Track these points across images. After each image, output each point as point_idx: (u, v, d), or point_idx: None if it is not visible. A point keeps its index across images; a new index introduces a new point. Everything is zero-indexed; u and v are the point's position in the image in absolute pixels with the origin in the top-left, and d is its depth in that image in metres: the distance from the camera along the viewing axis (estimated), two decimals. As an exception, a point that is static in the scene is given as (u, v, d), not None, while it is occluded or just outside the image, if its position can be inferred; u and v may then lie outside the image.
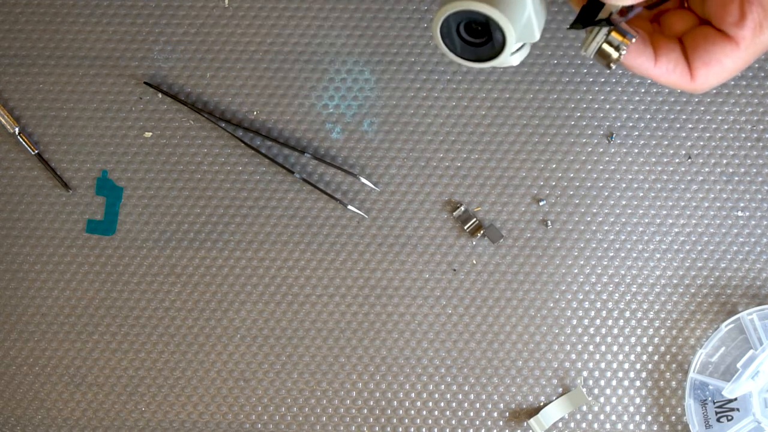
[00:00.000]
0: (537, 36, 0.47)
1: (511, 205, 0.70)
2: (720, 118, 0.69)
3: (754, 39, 0.42)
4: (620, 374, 0.69)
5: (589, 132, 0.70)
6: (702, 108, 0.69)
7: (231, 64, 0.71)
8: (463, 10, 0.44)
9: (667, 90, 0.69)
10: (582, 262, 0.69)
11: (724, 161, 0.69)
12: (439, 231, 0.70)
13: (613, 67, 0.46)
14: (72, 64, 0.71)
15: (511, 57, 0.47)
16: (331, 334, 0.70)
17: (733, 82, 0.69)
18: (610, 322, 0.69)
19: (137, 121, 0.71)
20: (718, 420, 0.67)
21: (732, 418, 0.66)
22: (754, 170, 0.69)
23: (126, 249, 0.71)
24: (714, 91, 0.69)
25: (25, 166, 0.71)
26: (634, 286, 0.69)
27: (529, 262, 0.70)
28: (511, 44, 0.45)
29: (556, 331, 0.70)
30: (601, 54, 0.46)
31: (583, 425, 0.69)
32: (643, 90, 0.69)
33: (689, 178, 0.69)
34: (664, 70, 0.45)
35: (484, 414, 0.70)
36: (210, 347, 0.71)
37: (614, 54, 0.46)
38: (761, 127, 0.69)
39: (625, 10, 0.46)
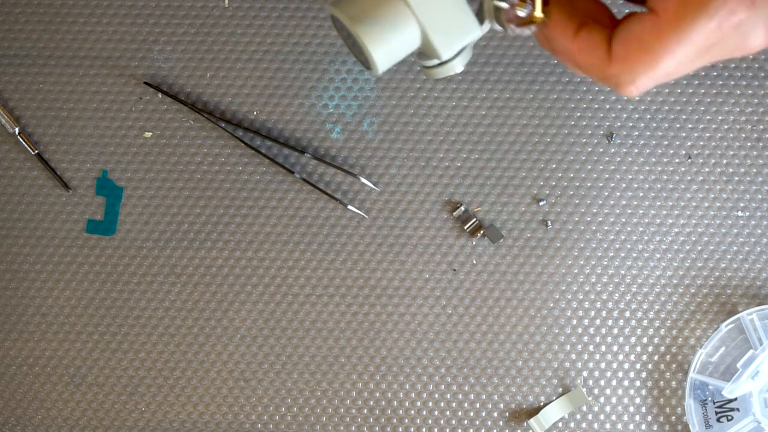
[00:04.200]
0: (443, 55, 0.43)
1: (511, 205, 0.70)
2: (720, 118, 0.69)
3: (678, 15, 0.36)
4: (620, 374, 0.69)
5: (589, 132, 0.70)
6: (702, 108, 0.69)
7: (231, 64, 0.71)
8: (332, 15, 0.43)
9: (666, 90, 0.69)
10: (582, 262, 0.69)
11: (724, 161, 0.69)
12: (439, 231, 0.70)
13: (512, 30, 0.41)
14: (72, 64, 0.71)
15: (443, 67, 0.45)
16: (331, 334, 0.70)
17: (733, 82, 0.69)
18: (610, 322, 0.69)
19: (137, 121, 0.71)
20: (718, 420, 0.67)
21: (732, 418, 0.66)
22: (754, 170, 0.69)
23: (126, 249, 0.71)
24: (714, 90, 0.69)
25: (25, 166, 0.71)
26: (634, 286, 0.69)
27: (529, 262, 0.70)
28: (376, 63, 0.43)
29: (556, 331, 0.70)
30: (497, 15, 0.41)
31: (583, 425, 0.69)
32: (643, 90, 0.69)
33: (689, 178, 0.69)
34: (582, 47, 0.39)
35: (484, 414, 0.70)
36: (210, 347, 0.71)
37: (504, 5, 0.40)
38: (761, 127, 0.69)
39: None
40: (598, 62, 0.38)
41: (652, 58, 0.36)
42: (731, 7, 0.34)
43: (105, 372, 0.71)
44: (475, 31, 0.43)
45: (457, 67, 0.45)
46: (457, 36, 0.43)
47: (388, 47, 0.43)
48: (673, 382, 0.69)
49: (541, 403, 0.69)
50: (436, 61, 0.45)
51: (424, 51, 0.45)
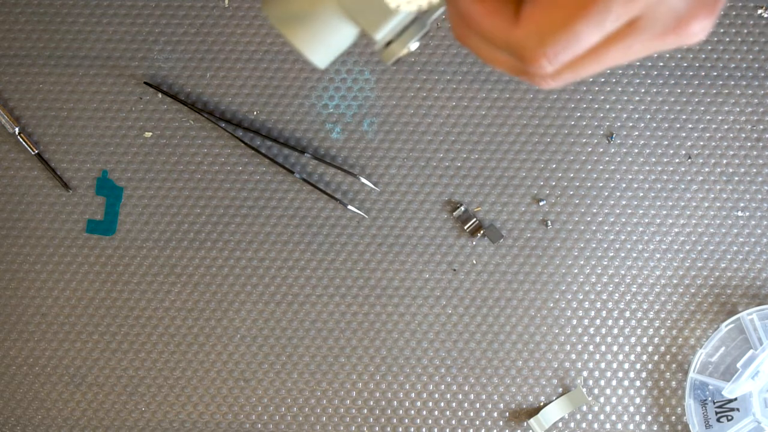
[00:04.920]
0: (375, 35, 0.41)
1: (511, 205, 0.70)
2: (720, 118, 0.69)
3: None
4: (620, 374, 0.69)
5: (589, 132, 0.70)
6: (702, 108, 0.69)
7: (231, 64, 0.71)
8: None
9: (667, 90, 0.69)
10: (582, 262, 0.69)
11: (724, 161, 0.69)
12: (439, 231, 0.70)
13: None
14: (72, 64, 0.71)
15: (391, 48, 0.43)
16: (331, 334, 0.70)
17: (733, 82, 0.69)
18: (610, 322, 0.69)
19: (137, 121, 0.71)
20: (718, 420, 0.67)
21: (732, 418, 0.66)
22: (754, 170, 0.69)
23: (126, 249, 0.71)
24: (714, 91, 0.69)
25: (25, 166, 0.71)
26: (634, 286, 0.69)
27: (529, 262, 0.70)
28: (315, 62, 0.42)
29: (556, 331, 0.70)
30: None
31: (583, 425, 0.69)
32: (643, 90, 0.69)
33: (689, 178, 0.69)
34: (488, 9, 0.33)
35: (484, 414, 0.70)
36: (210, 347, 0.71)
37: None
38: (761, 127, 0.69)
39: None
40: (504, 24, 0.32)
41: (565, 18, 0.30)
42: None
43: (105, 372, 0.71)
44: (398, 6, 0.40)
45: (410, 45, 0.42)
46: (382, 14, 0.41)
47: (321, 44, 0.42)
48: (673, 382, 0.69)
49: (541, 403, 0.69)
50: (383, 43, 0.44)
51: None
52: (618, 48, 0.32)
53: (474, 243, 0.70)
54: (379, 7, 0.41)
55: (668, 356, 0.69)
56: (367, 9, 0.41)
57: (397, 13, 0.41)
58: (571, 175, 0.70)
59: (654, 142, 0.69)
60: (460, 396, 0.70)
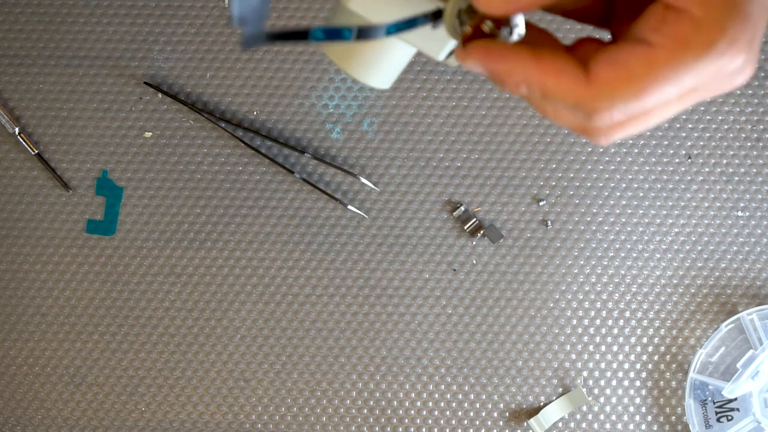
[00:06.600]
0: (438, 57, 0.42)
1: (511, 205, 0.70)
2: (720, 118, 0.69)
3: (677, 53, 0.33)
4: (620, 374, 0.69)
5: (589, 132, 0.70)
6: (702, 108, 0.69)
7: (231, 64, 0.71)
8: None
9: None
10: (582, 262, 0.69)
11: (724, 161, 0.69)
12: (439, 231, 0.70)
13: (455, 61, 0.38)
14: (72, 64, 0.71)
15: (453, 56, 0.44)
16: (331, 334, 0.70)
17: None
18: (610, 322, 0.70)
19: (137, 121, 0.71)
20: (718, 420, 0.67)
21: (732, 418, 0.66)
22: (754, 170, 0.69)
23: (126, 249, 0.71)
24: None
25: (25, 166, 0.71)
26: (634, 286, 0.69)
27: (529, 262, 0.70)
28: (379, 87, 0.44)
29: (556, 331, 0.70)
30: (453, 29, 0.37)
31: (583, 425, 0.69)
32: (643, 90, 0.69)
33: (689, 178, 0.69)
34: (549, 69, 0.34)
35: (484, 414, 0.70)
36: (210, 347, 0.71)
37: (460, 28, 0.36)
38: (761, 127, 0.69)
39: (502, 22, 0.35)
40: (573, 84, 0.34)
41: (638, 89, 0.33)
42: (733, 53, 0.32)
43: (105, 372, 0.71)
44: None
45: (442, 54, 0.43)
46: (443, 41, 0.42)
47: (382, 71, 0.43)
48: (673, 382, 0.69)
49: (541, 403, 0.69)
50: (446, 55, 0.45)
51: None
52: (677, 106, 0.34)
53: (474, 243, 0.70)
54: (441, 37, 0.41)
55: (668, 356, 0.69)
56: (429, 40, 0.42)
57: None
58: (571, 175, 0.70)
59: (654, 142, 0.69)
60: (460, 396, 0.70)
